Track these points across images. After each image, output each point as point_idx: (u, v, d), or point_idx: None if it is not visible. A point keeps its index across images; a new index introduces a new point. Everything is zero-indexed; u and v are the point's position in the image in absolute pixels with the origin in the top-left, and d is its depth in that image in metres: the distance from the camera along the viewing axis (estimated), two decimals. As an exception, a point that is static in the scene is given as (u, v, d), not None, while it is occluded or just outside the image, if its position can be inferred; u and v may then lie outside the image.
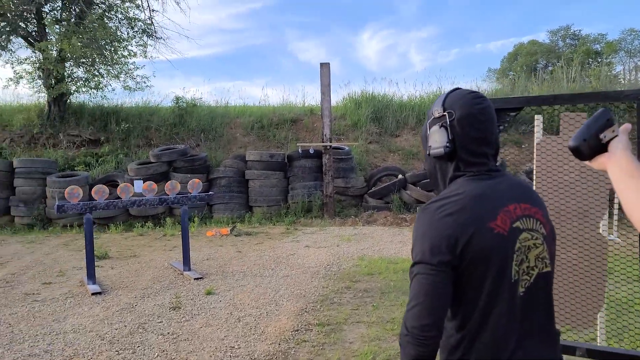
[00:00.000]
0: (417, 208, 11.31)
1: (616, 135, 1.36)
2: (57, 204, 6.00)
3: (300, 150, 11.82)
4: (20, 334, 4.66)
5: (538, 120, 3.39)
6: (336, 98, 17.14)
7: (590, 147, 1.35)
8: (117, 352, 4.20)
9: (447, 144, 1.50)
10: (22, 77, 13.12)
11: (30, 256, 8.11)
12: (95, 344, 4.40)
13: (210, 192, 7.12)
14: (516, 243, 1.41)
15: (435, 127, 1.55)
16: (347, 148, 12.35)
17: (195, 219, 10.94)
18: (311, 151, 11.80)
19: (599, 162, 1.37)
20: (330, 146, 11.64)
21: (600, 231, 3.14)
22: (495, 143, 1.55)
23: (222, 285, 6.21)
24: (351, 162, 12.24)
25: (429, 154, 1.57)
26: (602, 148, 1.35)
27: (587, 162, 1.40)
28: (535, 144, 3.30)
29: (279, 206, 11.71)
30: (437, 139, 1.53)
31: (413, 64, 76.87)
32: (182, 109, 14.21)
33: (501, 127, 2.12)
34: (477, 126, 1.50)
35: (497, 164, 1.58)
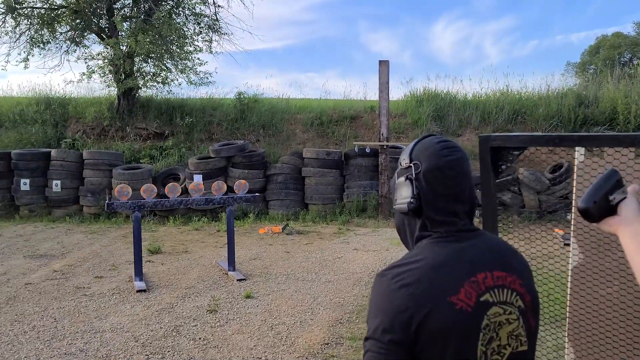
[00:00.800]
0: (477, 213, 10.92)
1: (625, 197, 1.30)
2: (107, 202, 6.21)
3: (356, 148, 11.68)
4: (63, 330, 4.86)
5: (579, 151, 3.10)
6: (398, 95, 16.82)
7: (600, 208, 1.30)
8: (146, 357, 4.28)
9: (411, 200, 1.34)
10: (94, 72, 13.72)
11: (90, 247, 8.48)
12: (129, 345, 4.51)
13: (256, 194, 7.14)
14: (483, 320, 1.23)
15: (401, 179, 1.39)
16: (404, 147, 12.08)
17: (251, 214, 11.07)
18: (367, 150, 11.63)
19: (608, 224, 1.30)
20: (387, 145, 11.43)
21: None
22: (468, 199, 1.37)
23: (262, 288, 6.22)
24: (409, 162, 11.95)
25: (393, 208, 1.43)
26: (611, 210, 1.29)
27: (595, 224, 1.32)
28: (575, 166, 3.02)
29: (334, 204, 11.64)
30: (402, 193, 1.38)
31: (488, 56, 74.43)
32: (243, 104, 14.39)
33: (503, 167, 1.93)
34: (445, 181, 1.34)
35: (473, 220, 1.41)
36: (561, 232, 9.29)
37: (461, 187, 1.35)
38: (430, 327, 1.19)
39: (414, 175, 1.36)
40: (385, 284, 1.25)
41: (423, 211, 1.36)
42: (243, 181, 7.08)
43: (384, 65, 11.35)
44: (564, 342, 3.53)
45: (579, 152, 3.21)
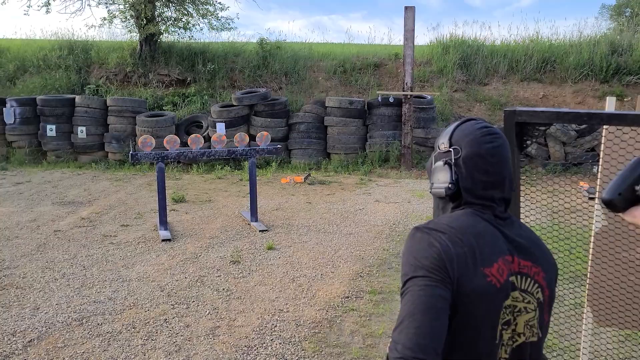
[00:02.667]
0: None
1: None
2: (130, 152, 6.27)
3: (379, 98, 11.50)
4: (92, 278, 5.02)
5: (610, 102, 3.00)
6: (423, 41, 16.35)
7: (625, 200, 1.29)
8: (172, 306, 4.42)
9: (449, 185, 1.33)
10: (115, 17, 13.59)
11: (115, 195, 8.65)
12: (155, 294, 4.66)
13: (278, 145, 7.12)
14: (507, 299, 1.24)
15: (440, 163, 1.38)
16: (429, 97, 11.86)
17: (273, 163, 11.11)
18: (391, 99, 11.45)
19: (632, 215, 1.28)
20: (411, 95, 11.22)
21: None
22: (507, 186, 1.36)
23: (284, 240, 6.31)
24: (432, 112, 11.77)
25: (432, 193, 1.42)
26: (636, 200, 1.27)
27: (620, 214, 1.31)
28: (603, 136, 2.94)
29: (356, 154, 11.59)
30: (440, 177, 1.37)
31: (519, -2, 71.32)
32: (265, 51, 14.18)
33: (528, 142, 1.87)
34: (486, 168, 1.32)
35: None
36: (586, 186, 9.16)
37: (501, 174, 1.34)
38: (463, 287, 1.19)
39: (453, 161, 1.35)
40: (425, 239, 1.24)
41: (460, 196, 1.35)
42: (265, 133, 7.06)
43: (409, 11, 11.00)
44: (583, 301, 3.53)
45: (609, 104, 3.11)
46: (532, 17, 40.58)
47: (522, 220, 1.74)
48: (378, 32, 49.10)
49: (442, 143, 1.39)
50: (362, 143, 11.71)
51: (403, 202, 8.32)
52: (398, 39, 18.42)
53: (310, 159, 11.60)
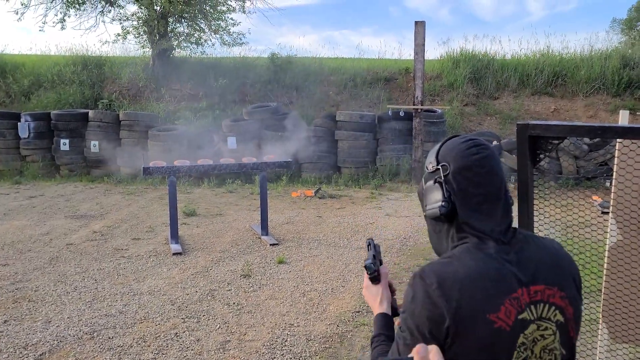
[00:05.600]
0: (512, 177, 10.73)
1: None
2: (143, 166, 6.32)
3: (390, 112, 11.52)
4: (103, 291, 5.04)
5: (623, 115, 2.98)
6: (434, 55, 16.40)
7: None
8: (182, 320, 4.42)
9: (443, 204, 1.29)
10: (128, 32, 13.79)
11: (127, 209, 8.71)
12: (166, 308, 4.66)
13: (289, 159, 7.15)
14: (519, 338, 1.20)
15: (430, 183, 1.35)
16: (439, 111, 11.85)
17: (284, 177, 11.13)
18: (401, 113, 11.46)
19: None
20: (422, 109, 11.23)
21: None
22: (503, 199, 1.31)
23: (295, 254, 6.30)
24: (443, 126, 11.76)
25: (426, 217, 1.38)
26: None
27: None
28: (617, 147, 2.91)
29: (366, 168, 11.59)
30: (432, 198, 1.33)
31: (530, 12, 71.40)
32: (277, 65, 14.29)
33: (541, 156, 1.85)
34: (476, 180, 1.29)
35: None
36: (599, 200, 9.08)
37: (494, 185, 1.30)
38: (466, 342, 1.16)
39: (442, 178, 1.32)
40: (424, 289, 1.21)
41: (456, 215, 1.30)
42: (272, 155, 7.11)
43: (420, 26, 11.04)
44: (598, 316, 3.49)
45: (623, 117, 3.09)
46: (542, 31, 40.60)
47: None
48: (388, 46, 49.35)
49: (430, 163, 1.37)
50: (373, 157, 11.71)
51: (414, 216, 8.29)
52: (408, 54, 18.52)
53: (321, 172, 11.61)
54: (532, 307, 1.23)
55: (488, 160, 1.31)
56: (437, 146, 1.39)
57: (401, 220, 8.05)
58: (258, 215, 7.81)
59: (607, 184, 10.17)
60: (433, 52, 31.56)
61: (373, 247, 1.61)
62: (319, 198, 9.71)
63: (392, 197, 9.96)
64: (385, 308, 1.46)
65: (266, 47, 34.33)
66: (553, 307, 1.25)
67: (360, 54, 18.34)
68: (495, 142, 11.32)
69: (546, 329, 1.24)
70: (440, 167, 1.33)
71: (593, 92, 12.70)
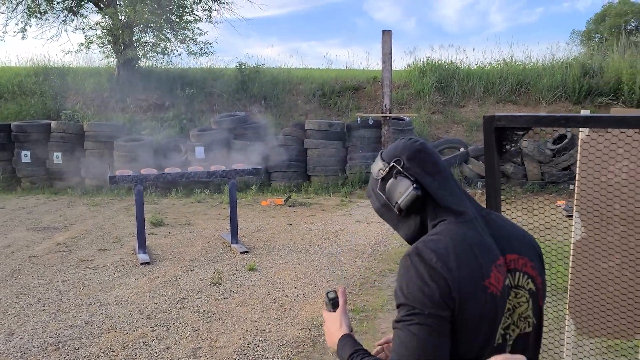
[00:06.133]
0: (479, 183, 10.91)
1: None
2: (109, 174, 6.19)
3: (359, 120, 11.59)
4: (68, 302, 4.89)
5: (584, 113, 3.07)
6: (401, 64, 16.62)
7: None
8: (152, 329, 4.32)
9: (414, 185, 1.33)
10: (92, 42, 13.55)
11: (93, 220, 8.50)
12: (134, 317, 4.55)
13: (258, 167, 7.11)
14: (506, 304, 1.25)
15: (390, 182, 1.37)
16: (407, 119, 11.98)
17: (253, 186, 11.06)
18: (370, 121, 11.54)
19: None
20: (390, 117, 11.34)
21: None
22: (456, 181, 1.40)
23: (265, 261, 6.24)
24: (411, 134, 11.88)
25: (399, 211, 1.36)
26: None
27: None
28: (579, 142, 2.99)
29: (336, 176, 11.61)
30: (400, 189, 1.35)
31: (493, 24, 73.14)
32: (244, 75, 14.25)
33: (507, 147, 1.88)
34: (429, 161, 1.36)
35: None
36: (563, 203, 9.29)
37: (443, 166, 1.38)
38: (470, 309, 1.19)
39: (401, 169, 1.36)
40: (425, 264, 1.21)
41: (429, 197, 1.34)
42: (240, 164, 7.06)
43: (387, 35, 11.18)
44: (565, 313, 3.56)
45: (583, 129, 3.17)
46: (505, 41, 41.57)
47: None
48: (356, 57, 49.83)
49: (379, 169, 1.40)
50: (342, 165, 11.75)
51: (384, 223, 8.31)
52: (376, 63, 18.69)
53: (291, 181, 11.58)
54: (510, 274, 1.27)
55: (427, 146, 1.41)
56: (377, 158, 1.44)
57: (371, 226, 8.07)
58: (227, 224, 7.72)
59: (571, 188, 10.42)
60: (400, 61, 32.03)
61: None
62: (289, 206, 9.67)
63: (362, 204, 9.99)
64: (346, 330, 1.47)
65: (233, 57, 34.10)
66: (526, 276, 1.30)
67: (329, 64, 18.45)
68: (462, 149, 11.49)
69: (521, 296, 1.29)
70: (394, 162, 1.37)
71: (555, 100, 13.04)
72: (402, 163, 1.36)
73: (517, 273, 1.28)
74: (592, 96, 12.87)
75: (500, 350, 1.24)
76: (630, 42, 15.23)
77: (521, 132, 1.81)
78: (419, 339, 1.16)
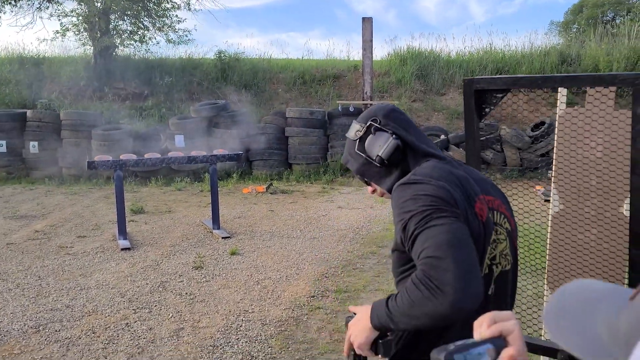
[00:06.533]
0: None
1: None
2: (87, 160, 6.11)
3: (340, 108, 11.59)
4: (47, 287, 4.83)
5: (561, 92, 3.11)
6: (382, 53, 16.65)
7: None
8: (133, 311, 4.29)
9: (393, 136, 1.40)
10: (68, 30, 13.32)
11: (71, 208, 8.39)
12: (115, 301, 4.51)
13: (239, 152, 7.08)
14: (492, 235, 1.30)
15: (369, 139, 1.43)
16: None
17: (234, 175, 11.01)
18: (351, 109, 11.55)
19: None
20: (371, 104, 11.36)
21: (623, 211, 2.89)
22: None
23: (247, 245, 6.23)
24: (392, 121, 11.93)
25: (381, 162, 1.41)
26: None
27: None
28: (557, 117, 3.04)
29: (318, 164, 11.61)
30: (380, 142, 1.41)
31: (473, 15, 73.58)
32: (224, 63, 14.14)
33: (487, 110, 1.91)
34: (403, 118, 1.47)
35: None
36: (542, 189, 9.42)
37: (415, 124, 1.50)
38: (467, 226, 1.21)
39: (379, 126, 1.44)
40: (425, 182, 1.23)
41: (407, 146, 1.41)
42: (220, 150, 7.02)
43: (367, 22, 11.18)
44: (544, 290, 3.62)
45: (561, 101, 3.22)
46: (485, 30, 41.86)
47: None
48: (337, 47, 49.75)
49: (357, 131, 1.47)
50: (324, 153, 11.75)
51: (365, 208, 8.36)
52: (357, 52, 18.70)
53: (272, 169, 11.55)
54: (491, 211, 1.33)
55: (398, 108, 1.52)
56: (352, 125, 1.52)
57: (353, 212, 8.10)
58: (209, 212, 7.68)
59: (549, 174, 10.57)
60: (381, 50, 32.12)
61: None
62: (271, 194, 9.66)
63: (343, 191, 10.01)
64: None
65: (212, 46, 33.60)
66: (503, 216, 1.37)
67: (309, 54, 18.38)
68: (442, 137, 11.57)
69: (501, 233, 1.34)
70: (371, 121, 1.45)
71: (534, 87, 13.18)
72: (378, 121, 1.44)
73: (495, 212, 1.34)
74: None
75: (486, 280, 1.27)
76: (606, 31, 15.45)
77: (500, 95, 1.84)
78: (444, 227, 1.12)
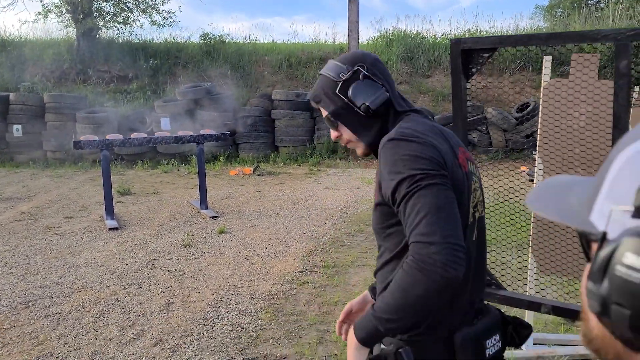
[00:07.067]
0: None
1: None
2: (73, 140, 6.07)
3: (326, 89, 11.56)
4: (35, 266, 4.82)
5: (547, 61, 3.16)
6: (367, 36, 16.59)
7: None
8: (123, 287, 4.30)
9: (382, 86, 1.37)
10: (50, 11, 13.10)
11: (57, 190, 8.34)
12: (104, 277, 4.53)
13: (226, 132, 7.07)
14: (472, 184, 1.34)
15: (356, 84, 1.37)
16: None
17: (221, 157, 10.98)
18: (337, 91, 11.52)
19: None
20: (357, 86, 11.36)
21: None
22: None
23: (235, 224, 6.26)
24: (378, 103, 11.95)
25: (367, 112, 1.36)
26: None
27: None
28: (542, 87, 3.10)
29: (304, 146, 11.62)
30: (370, 91, 1.36)
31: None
32: (209, 46, 14.02)
33: (473, 70, 1.94)
34: (387, 71, 1.44)
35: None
36: (526, 169, 9.54)
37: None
38: (454, 182, 1.24)
39: (367, 73, 1.38)
40: (409, 140, 1.24)
41: (389, 102, 1.39)
42: (207, 130, 6.99)
43: (353, 3, 11.15)
44: (527, 265, 3.70)
45: (545, 72, 3.27)
46: (471, 12, 41.88)
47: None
48: (322, 30, 49.40)
49: (341, 72, 1.39)
50: (310, 135, 11.76)
51: (352, 189, 8.41)
52: (342, 35, 18.63)
53: (259, 152, 11.54)
54: (468, 161, 1.38)
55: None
56: (330, 64, 1.44)
57: (340, 192, 8.15)
58: (196, 193, 7.68)
59: (534, 155, 10.69)
60: (366, 32, 31.97)
61: None
62: (258, 175, 9.66)
63: (330, 172, 10.05)
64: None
65: (198, 28, 33.13)
66: (474, 166, 1.41)
67: (295, 38, 18.27)
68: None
69: (476, 182, 1.38)
70: (358, 66, 1.39)
71: (519, 70, 13.27)
72: (365, 68, 1.39)
73: (469, 161, 1.38)
74: (554, 65, 13.14)
75: (470, 229, 1.32)
76: (591, 13, 15.55)
77: (486, 55, 1.87)
78: (435, 193, 1.15)
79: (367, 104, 1.35)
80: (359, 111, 1.38)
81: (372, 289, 1.58)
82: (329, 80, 1.42)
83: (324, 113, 1.44)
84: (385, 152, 1.26)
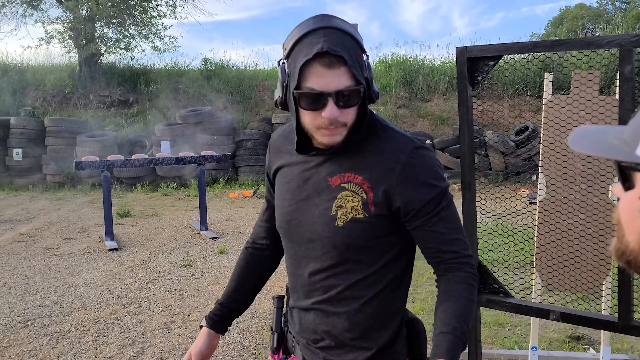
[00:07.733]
0: (445, 175, 11.09)
1: None
2: (75, 160, 6.08)
3: (326, 113, 11.64)
4: (35, 286, 4.78)
5: (548, 78, 3.20)
6: (367, 61, 16.75)
7: None
8: (123, 306, 4.26)
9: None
10: (53, 37, 13.25)
11: (56, 212, 8.31)
12: (104, 297, 4.48)
13: (226, 153, 7.09)
14: None
15: (369, 63, 1.20)
16: (374, 112, 12.10)
17: (220, 180, 10.99)
18: (337, 115, 11.60)
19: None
20: (357, 110, 11.44)
21: (610, 196, 2.96)
22: None
23: (236, 245, 6.22)
24: (378, 127, 12.02)
25: (377, 98, 1.27)
26: None
27: None
28: (543, 103, 3.12)
29: (304, 170, 11.61)
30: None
31: (455, 28, 74.61)
32: (210, 71, 14.15)
33: (479, 77, 1.96)
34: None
35: None
36: (526, 192, 9.55)
37: None
38: None
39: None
40: (434, 153, 1.31)
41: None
42: (209, 151, 7.02)
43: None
44: (531, 284, 3.68)
45: (547, 87, 3.30)
46: (468, 39, 42.38)
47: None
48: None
49: (365, 52, 1.20)
50: (310, 158, 11.76)
51: (353, 210, 8.38)
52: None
53: (258, 175, 11.54)
54: None
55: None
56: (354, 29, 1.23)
57: (340, 213, 8.12)
58: (196, 215, 7.67)
59: (534, 178, 10.71)
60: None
61: None
62: (258, 198, 9.65)
63: (330, 195, 10.04)
64: None
65: (198, 54, 33.43)
66: None
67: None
68: (428, 141, 11.68)
69: None
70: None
71: (517, 94, 13.38)
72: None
73: None
74: (552, 90, 13.26)
75: None
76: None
77: (492, 63, 1.89)
78: (455, 208, 1.26)
79: (377, 91, 1.24)
80: (371, 95, 1.20)
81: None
82: (356, 44, 1.14)
83: (345, 83, 1.10)
84: (423, 156, 1.21)
